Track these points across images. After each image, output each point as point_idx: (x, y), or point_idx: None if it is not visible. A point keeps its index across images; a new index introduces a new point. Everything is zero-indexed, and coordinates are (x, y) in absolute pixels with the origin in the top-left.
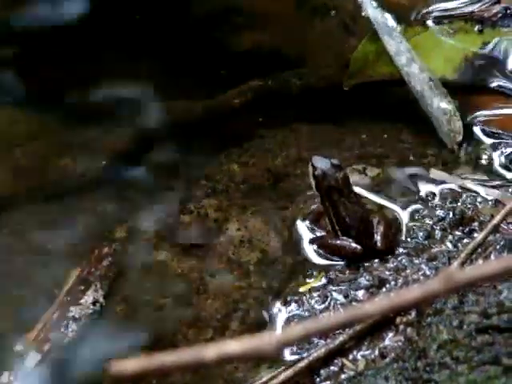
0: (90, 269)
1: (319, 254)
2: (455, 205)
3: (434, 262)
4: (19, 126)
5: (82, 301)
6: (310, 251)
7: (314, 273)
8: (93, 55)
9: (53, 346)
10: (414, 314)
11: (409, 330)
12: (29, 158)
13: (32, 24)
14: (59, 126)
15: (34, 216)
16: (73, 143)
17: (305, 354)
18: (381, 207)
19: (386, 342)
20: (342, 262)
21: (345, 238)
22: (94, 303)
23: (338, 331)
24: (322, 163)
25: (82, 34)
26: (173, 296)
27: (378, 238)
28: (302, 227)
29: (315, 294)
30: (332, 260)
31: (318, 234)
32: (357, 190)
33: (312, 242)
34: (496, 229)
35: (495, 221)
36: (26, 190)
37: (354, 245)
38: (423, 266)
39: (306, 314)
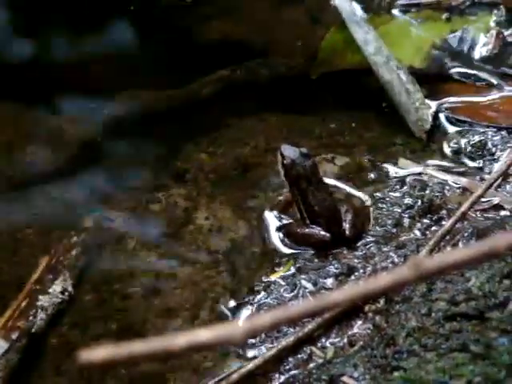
0: (58, 258)
1: (287, 243)
2: (423, 193)
3: (403, 250)
4: None
5: (51, 290)
6: (279, 240)
7: (283, 261)
8: (57, 43)
9: (21, 335)
10: (382, 301)
11: (377, 317)
12: None
13: None
14: (24, 114)
15: (2, 205)
16: (39, 132)
17: (274, 343)
18: (349, 196)
19: (355, 329)
20: (310, 251)
21: (313, 226)
22: (62, 292)
23: (306, 319)
24: (290, 152)
25: (44, 23)
26: (141, 285)
27: (346, 225)
28: (271, 216)
29: (284, 283)
30: (300, 249)
31: (286, 223)
32: (325, 178)
33: (280, 230)
34: (464, 216)
35: (463, 208)
36: None
37: (322, 233)
38: (392, 254)
39: (275, 302)
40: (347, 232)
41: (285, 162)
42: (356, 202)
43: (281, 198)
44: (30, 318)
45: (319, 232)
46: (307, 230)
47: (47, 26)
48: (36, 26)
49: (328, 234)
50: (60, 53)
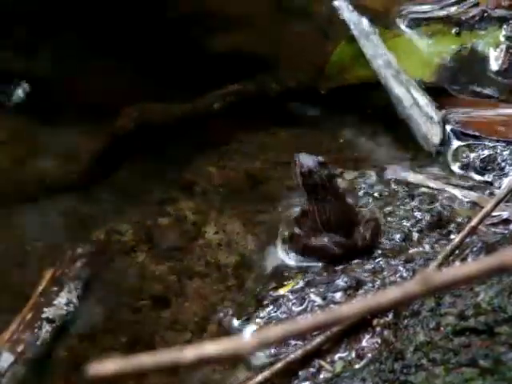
0: (63, 270)
1: (296, 256)
2: (432, 207)
3: (411, 264)
4: None
5: (56, 302)
6: (288, 254)
7: (292, 275)
8: (68, 57)
9: (26, 347)
10: (391, 315)
11: (386, 331)
12: (6, 159)
13: None
14: (36, 127)
15: (11, 217)
16: (50, 145)
17: (282, 356)
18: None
19: (363, 343)
20: (319, 264)
21: (326, 235)
22: (67, 304)
23: (315, 333)
24: (307, 160)
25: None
26: (150, 298)
27: (362, 236)
28: (281, 230)
29: (293, 296)
30: (308, 262)
31: (298, 234)
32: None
33: (292, 241)
34: (473, 231)
35: (472, 223)
36: (2, 191)
37: (333, 246)
38: (400, 268)
39: (284, 316)
40: (362, 243)
41: (302, 170)
42: (368, 215)
43: (295, 210)
44: (36, 330)
45: (330, 244)
46: (321, 242)
47: (57, 39)
48: (47, 39)
49: (339, 248)
50: (70, 66)
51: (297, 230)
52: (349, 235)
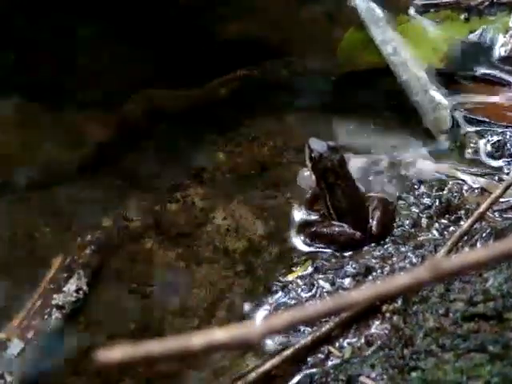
0: (72, 257)
1: (306, 242)
2: (441, 193)
3: (421, 250)
4: (3, 112)
5: (65, 288)
6: (297, 240)
7: (300, 261)
8: (78, 42)
9: (36, 334)
10: (400, 301)
11: (395, 317)
12: (13, 144)
13: None
14: (44, 112)
15: (19, 203)
16: (56, 131)
17: (291, 342)
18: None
19: (373, 329)
20: (328, 250)
21: (340, 223)
22: (77, 291)
23: (324, 319)
24: (318, 145)
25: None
26: (159, 284)
27: (373, 222)
28: (289, 215)
29: (301, 282)
30: (317, 248)
31: (312, 221)
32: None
33: (305, 228)
34: (482, 217)
35: (481, 209)
36: (10, 178)
37: (352, 231)
38: (409, 254)
39: (293, 301)
40: (374, 229)
41: (312, 155)
42: (375, 202)
43: (307, 193)
44: (46, 316)
45: (349, 230)
46: (336, 228)
47: (62, 25)
48: (53, 24)
49: (358, 232)
50: (76, 51)
51: (306, 216)
52: (360, 222)
